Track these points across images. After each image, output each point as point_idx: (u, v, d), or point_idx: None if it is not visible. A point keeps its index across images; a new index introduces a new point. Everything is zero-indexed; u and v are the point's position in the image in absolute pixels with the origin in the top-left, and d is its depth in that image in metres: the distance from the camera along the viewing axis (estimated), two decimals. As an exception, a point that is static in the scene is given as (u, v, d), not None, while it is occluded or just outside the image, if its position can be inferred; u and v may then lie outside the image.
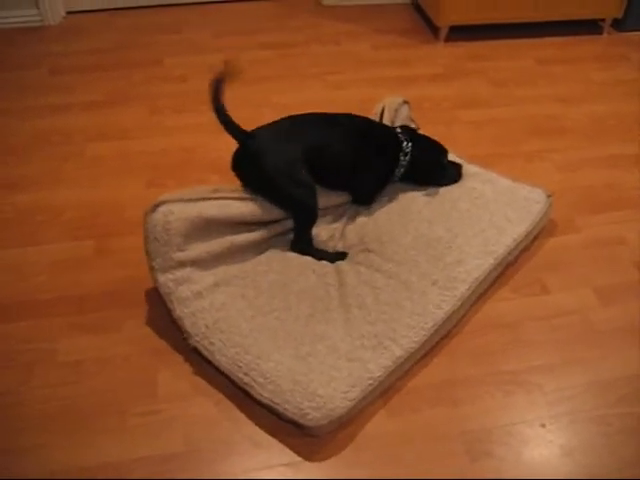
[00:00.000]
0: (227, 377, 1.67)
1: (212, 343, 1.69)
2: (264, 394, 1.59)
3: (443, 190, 2.19)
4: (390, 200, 2.16)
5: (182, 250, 1.78)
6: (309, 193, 1.95)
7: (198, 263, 1.81)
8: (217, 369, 1.68)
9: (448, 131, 2.72)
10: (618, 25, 3.55)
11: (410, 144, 2.13)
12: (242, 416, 1.63)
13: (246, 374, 1.62)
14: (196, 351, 1.71)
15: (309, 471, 1.53)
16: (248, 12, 3.69)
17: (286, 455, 1.56)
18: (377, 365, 1.64)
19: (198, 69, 3.11)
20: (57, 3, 3.46)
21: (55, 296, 1.95)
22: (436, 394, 1.69)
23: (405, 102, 2.40)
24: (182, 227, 1.77)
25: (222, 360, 1.66)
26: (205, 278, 1.81)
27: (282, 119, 2.03)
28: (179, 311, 1.74)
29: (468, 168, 2.29)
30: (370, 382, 1.62)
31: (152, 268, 1.77)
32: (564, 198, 2.36)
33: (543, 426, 1.63)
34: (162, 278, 1.76)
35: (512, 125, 2.77)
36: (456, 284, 1.85)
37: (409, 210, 2.10)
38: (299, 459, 1.55)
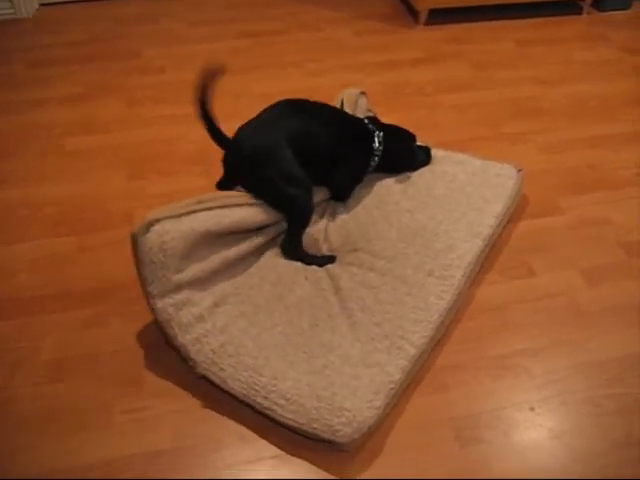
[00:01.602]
0: (243, 402, 1.60)
1: (222, 369, 1.61)
2: (287, 415, 1.52)
3: (415, 177, 2.17)
4: (364, 194, 2.12)
5: (180, 271, 1.66)
6: (305, 191, 1.91)
7: (196, 283, 1.71)
8: (231, 395, 1.61)
9: (431, 116, 2.70)
10: (598, 5, 3.55)
11: (381, 133, 2.12)
12: (229, 411, 1.62)
13: (265, 398, 1.55)
14: (205, 379, 1.64)
15: (298, 462, 1.52)
16: (225, 1, 3.65)
17: (273, 448, 1.55)
18: (395, 367, 1.60)
19: (177, 60, 3.08)
20: (31, -5, 3.40)
21: (38, 293, 1.92)
22: (424, 381, 1.69)
23: (362, 93, 2.37)
24: (179, 246, 1.65)
25: (236, 385, 1.59)
26: (205, 299, 1.71)
27: (261, 112, 1.99)
28: (181, 338, 1.64)
29: (436, 152, 2.28)
30: (392, 386, 1.57)
31: (149, 294, 1.64)
32: (548, 179, 2.36)
33: (532, 409, 1.63)
34: (161, 304, 1.64)
35: (494, 108, 2.76)
36: (452, 271, 1.83)
37: (386, 202, 2.07)
38: (286, 451, 1.54)
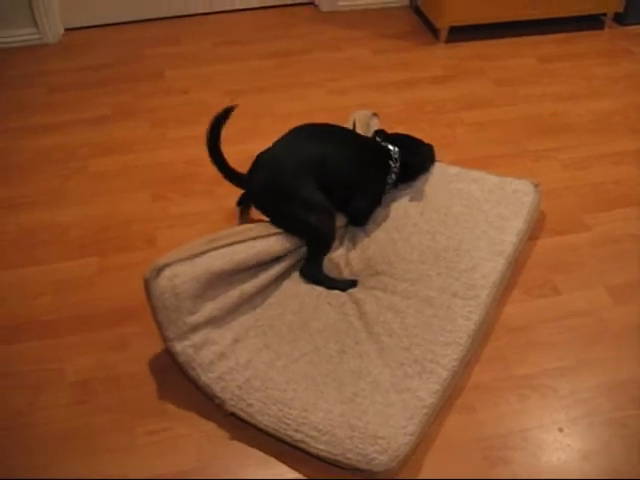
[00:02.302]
0: (274, 436, 1.57)
1: (250, 405, 1.58)
2: (320, 447, 1.50)
3: (431, 196, 2.14)
4: (382, 217, 2.10)
5: (193, 313, 1.65)
6: (328, 217, 1.90)
7: (212, 322, 1.70)
8: (260, 430, 1.58)
9: (451, 133, 2.69)
10: (620, 19, 3.52)
11: (397, 149, 2.10)
12: (253, 431, 1.60)
13: (297, 430, 1.53)
14: (234, 416, 1.61)
15: (323, 485, 1.51)
16: (247, 22, 3.68)
17: (297, 470, 1.54)
18: (427, 392, 1.58)
19: (200, 81, 3.10)
20: (55, 20, 3.45)
21: (61, 316, 1.93)
22: (450, 401, 1.66)
23: (374, 115, 2.37)
24: (190, 289, 1.64)
25: (265, 420, 1.56)
26: (224, 336, 1.70)
27: (280, 138, 1.98)
28: (204, 378, 1.62)
29: (449, 169, 2.26)
30: (425, 411, 1.55)
31: (167, 338, 1.64)
32: (572, 196, 2.33)
33: (561, 430, 1.60)
34: (179, 346, 1.63)
35: (516, 125, 2.75)
36: (477, 291, 1.81)
37: (405, 224, 2.05)
38: (312, 472, 1.53)
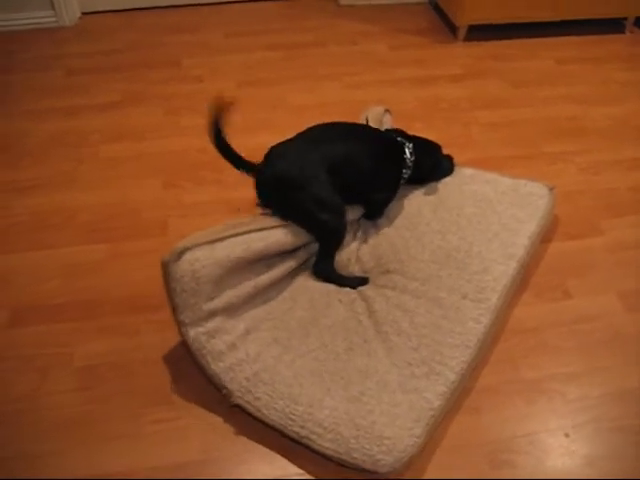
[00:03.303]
0: (279, 431, 1.56)
1: (257, 398, 1.57)
2: (325, 445, 1.49)
3: (444, 196, 2.13)
4: (394, 215, 2.09)
5: (212, 299, 1.64)
6: (338, 215, 1.89)
7: (228, 310, 1.68)
8: (266, 424, 1.57)
9: (467, 132, 2.68)
10: (641, 23, 3.50)
11: (411, 144, 2.09)
12: (259, 426, 1.59)
13: (302, 427, 1.51)
14: (239, 407, 1.60)
15: (326, 481, 1.51)
16: (264, 12, 3.67)
17: (301, 465, 1.53)
18: (434, 394, 1.57)
19: (214, 69, 3.09)
20: (73, 4, 3.45)
21: (70, 300, 1.93)
22: (457, 402, 1.66)
23: (387, 111, 2.36)
24: (211, 274, 1.62)
25: (271, 415, 1.55)
26: (236, 326, 1.68)
27: (298, 134, 1.97)
28: (214, 366, 1.61)
29: (463, 170, 2.24)
30: (432, 413, 1.53)
31: (181, 322, 1.62)
32: (586, 200, 2.32)
33: (567, 435, 1.59)
34: (193, 332, 1.61)
35: (532, 126, 2.73)
36: (487, 294, 1.80)
37: (417, 223, 2.04)
38: (314, 469, 1.52)
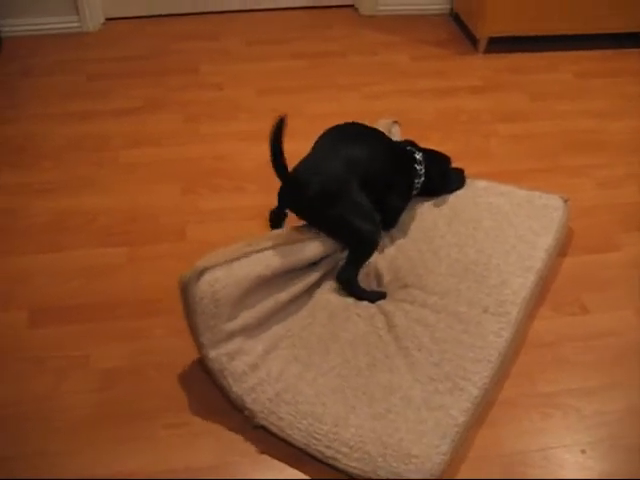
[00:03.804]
0: (304, 451, 1.54)
1: (281, 418, 1.55)
2: (352, 464, 1.46)
3: (459, 209, 2.12)
4: (409, 228, 2.08)
5: (231, 319, 1.62)
6: (375, 225, 1.88)
7: (247, 331, 1.67)
8: (290, 444, 1.55)
9: (486, 145, 2.67)
10: (661, 39, 3.48)
11: (421, 154, 2.09)
12: (271, 437, 1.58)
13: (328, 447, 1.49)
14: (263, 429, 1.58)
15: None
16: (285, 21, 3.68)
17: (311, 474, 1.53)
18: (459, 410, 1.55)
19: (235, 77, 3.10)
20: (96, 10, 3.48)
21: (87, 302, 1.94)
22: (475, 415, 1.65)
23: (395, 122, 2.36)
24: (231, 295, 1.60)
25: (295, 434, 1.53)
26: (256, 346, 1.67)
27: (316, 142, 1.96)
28: (236, 388, 1.59)
29: (477, 183, 2.23)
30: (456, 430, 1.52)
31: (201, 345, 1.60)
32: (604, 215, 2.30)
33: (583, 452, 1.58)
34: (213, 354, 1.60)
35: (551, 140, 2.72)
36: (507, 308, 1.79)
37: (432, 236, 2.03)
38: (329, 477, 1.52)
